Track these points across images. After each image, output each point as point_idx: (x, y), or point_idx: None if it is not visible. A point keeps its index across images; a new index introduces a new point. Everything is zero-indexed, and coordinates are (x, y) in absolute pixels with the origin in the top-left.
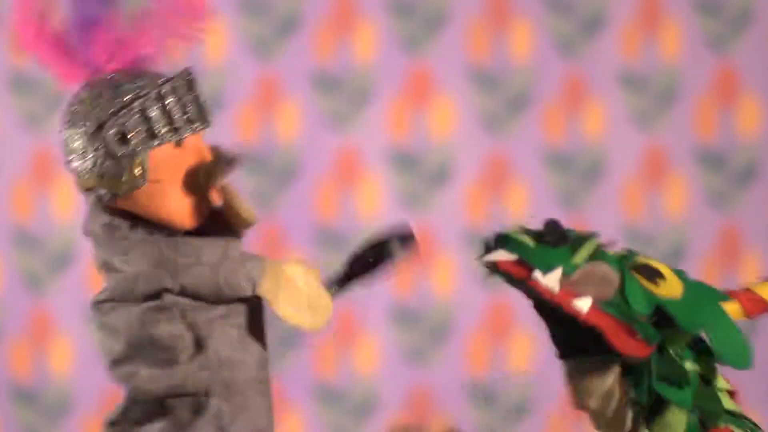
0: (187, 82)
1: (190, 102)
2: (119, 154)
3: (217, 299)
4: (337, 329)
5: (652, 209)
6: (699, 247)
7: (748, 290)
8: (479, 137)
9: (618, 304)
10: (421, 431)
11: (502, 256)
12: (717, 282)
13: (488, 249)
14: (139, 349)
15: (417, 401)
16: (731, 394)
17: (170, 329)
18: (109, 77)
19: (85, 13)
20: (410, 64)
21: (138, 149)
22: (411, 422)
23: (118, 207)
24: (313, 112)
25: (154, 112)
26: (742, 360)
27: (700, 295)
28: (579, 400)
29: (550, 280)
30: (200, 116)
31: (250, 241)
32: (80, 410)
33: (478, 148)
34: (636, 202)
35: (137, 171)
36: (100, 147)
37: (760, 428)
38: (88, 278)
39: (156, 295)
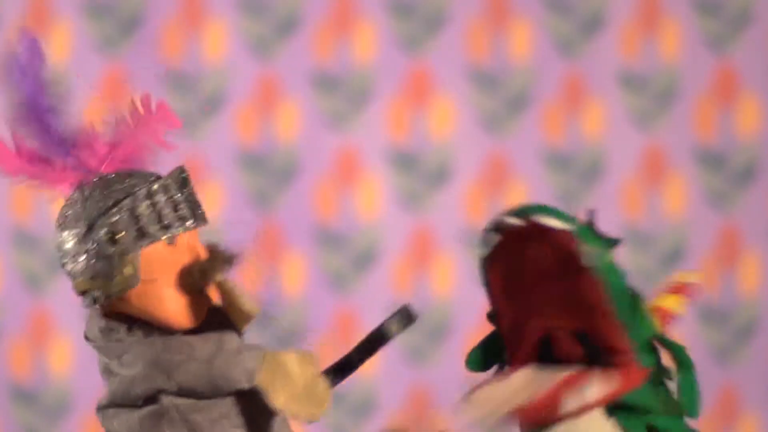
0: (179, 179)
1: (183, 200)
2: (110, 253)
3: (214, 394)
4: (335, 330)
5: (652, 209)
6: (698, 247)
7: (653, 307)
8: (479, 137)
9: (628, 321)
10: None
11: (554, 223)
12: (716, 281)
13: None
14: None
15: (416, 401)
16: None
17: None
18: (100, 178)
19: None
20: (410, 64)
21: (128, 248)
22: (403, 425)
23: (115, 310)
24: (312, 112)
25: (143, 210)
26: (695, 410)
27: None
28: None
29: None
30: (193, 214)
31: (249, 241)
32: (80, 410)
33: (477, 148)
34: (635, 202)
35: (128, 271)
36: (91, 248)
37: None
38: None
39: (154, 398)
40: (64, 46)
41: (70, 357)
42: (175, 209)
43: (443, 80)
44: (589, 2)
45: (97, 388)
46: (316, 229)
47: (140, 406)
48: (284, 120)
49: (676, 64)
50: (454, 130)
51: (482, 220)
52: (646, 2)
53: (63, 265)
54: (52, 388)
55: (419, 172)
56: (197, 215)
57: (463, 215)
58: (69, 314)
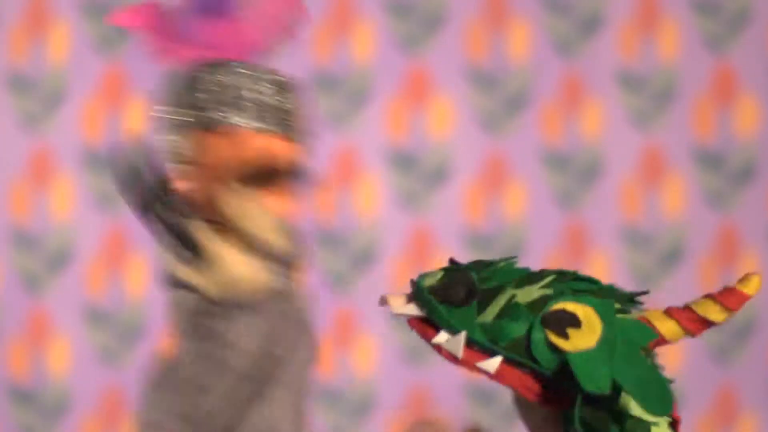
0: (279, 86)
1: (272, 105)
2: (203, 115)
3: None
4: (336, 330)
5: (650, 209)
6: (697, 247)
7: (687, 309)
8: (477, 137)
9: (526, 359)
10: (442, 430)
11: (412, 310)
12: (715, 281)
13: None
14: None
15: (415, 401)
16: (674, 424)
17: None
18: (218, 62)
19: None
20: (408, 64)
21: (217, 118)
22: (432, 421)
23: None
24: (312, 112)
25: (247, 94)
26: (660, 406)
27: (619, 340)
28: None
29: (453, 345)
30: (280, 123)
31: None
32: (78, 410)
33: (476, 148)
34: (634, 202)
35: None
36: (187, 111)
37: None
38: (85, 278)
39: None
40: (63, 46)
41: (68, 357)
42: (263, 108)
43: (442, 80)
44: (588, 2)
45: (94, 388)
46: (315, 228)
47: None
48: None
49: (675, 64)
50: (452, 130)
51: (481, 219)
52: (644, 3)
53: (160, 132)
54: (50, 388)
55: (418, 171)
56: (284, 125)
57: (462, 214)
58: (67, 314)
